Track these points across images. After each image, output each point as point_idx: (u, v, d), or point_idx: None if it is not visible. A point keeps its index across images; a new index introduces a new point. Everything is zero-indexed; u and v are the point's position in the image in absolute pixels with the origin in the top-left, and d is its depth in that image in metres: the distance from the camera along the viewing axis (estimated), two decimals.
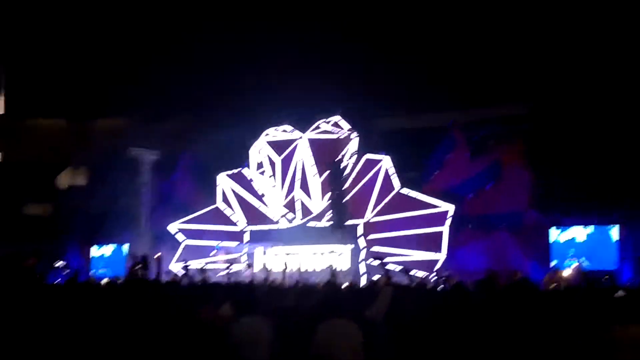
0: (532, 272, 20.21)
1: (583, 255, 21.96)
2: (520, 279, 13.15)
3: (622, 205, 22.36)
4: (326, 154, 24.07)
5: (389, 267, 19.50)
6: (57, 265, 17.99)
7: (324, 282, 12.51)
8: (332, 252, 23.13)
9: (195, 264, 23.19)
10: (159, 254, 22.78)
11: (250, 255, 24.36)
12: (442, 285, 14.59)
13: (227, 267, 14.58)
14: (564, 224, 22.87)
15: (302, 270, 19.77)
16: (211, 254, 24.68)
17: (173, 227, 25.83)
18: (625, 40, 23.88)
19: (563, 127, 24.52)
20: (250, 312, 6.12)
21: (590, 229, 22.48)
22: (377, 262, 19.91)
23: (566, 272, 17.85)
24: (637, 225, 21.84)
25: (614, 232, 21.95)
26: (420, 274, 19.57)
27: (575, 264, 19.10)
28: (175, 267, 23.83)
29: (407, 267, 16.32)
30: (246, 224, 25.54)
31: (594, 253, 21.83)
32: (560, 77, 25.02)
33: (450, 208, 22.48)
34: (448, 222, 22.43)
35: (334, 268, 17.53)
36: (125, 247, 27.36)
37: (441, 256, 22.09)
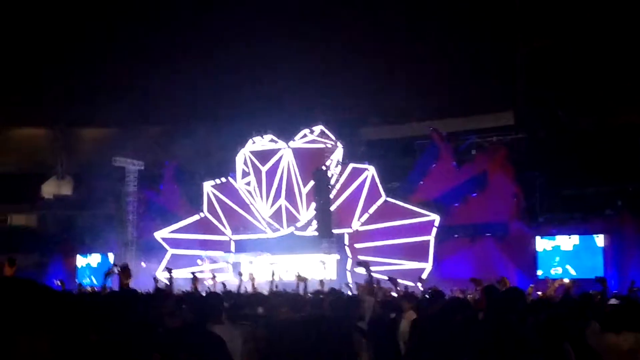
0: (518, 280, 20.25)
1: (569, 264, 22.09)
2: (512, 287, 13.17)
3: (606, 214, 22.55)
4: (311, 163, 24.05)
5: (375, 276, 19.60)
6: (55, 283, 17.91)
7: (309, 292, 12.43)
8: (321, 261, 23.07)
9: (180, 273, 23.23)
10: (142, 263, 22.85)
11: (237, 265, 24.29)
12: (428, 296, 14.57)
13: (213, 277, 14.56)
14: (548, 233, 23.01)
15: (287, 279, 19.71)
16: (198, 263, 24.60)
17: (159, 236, 25.70)
18: (606, 45, 24.10)
19: (548, 138, 24.71)
20: (217, 321, 6.14)
21: (576, 238, 22.61)
22: (361, 270, 20.06)
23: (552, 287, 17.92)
24: (620, 234, 22.01)
25: (599, 241, 22.09)
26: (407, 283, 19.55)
27: (564, 280, 19.08)
28: (161, 275, 23.73)
29: (394, 277, 16.36)
30: (232, 233, 25.46)
31: (580, 262, 21.94)
32: (542, 86, 25.21)
33: (436, 217, 22.55)
34: (434, 231, 22.46)
35: (321, 279, 17.56)
36: (111, 257, 27.22)
37: (428, 265, 22.12)
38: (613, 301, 9.57)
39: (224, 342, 4.61)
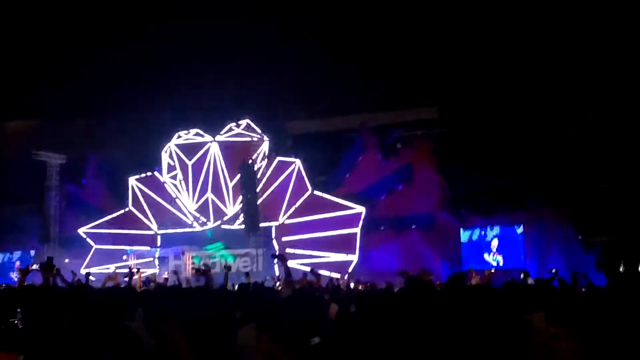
0: (443, 271, 20.61)
1: (491, 254, 22.60)
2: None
3: (526, 206, 23.10)
4: (238, 156, 23.98)
5: (298, 267, 19.73)
6: None
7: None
8: (246, 254, 23.06)
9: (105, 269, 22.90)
10: (67, 259, 22.43)
11: (163, 260, 24.08)
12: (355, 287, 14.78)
13: (130, 274, 14.33)
14: (472, 225, 23.47)
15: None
16: (123, 258, 24.28)
17: (82, 232, 25.22)
18: (533, 45, 24.59)
19: (470, 132, 25.11)
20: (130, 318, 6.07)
21: (498, 229, 23.14)
22: (278, 263, 20.19)
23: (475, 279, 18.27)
24: (541, 225, 22.60)
25: (520, 232, 22.66)
26: (335, 275, 19.71)
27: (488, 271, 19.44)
28: (84, 271, 23.35)
29: (316, 267, 16.45)
30: (158, 228, 25.17)
31: (502, 252, 22.49)
32: (466, 82, 25.58)
33: (362, 210, 22.73)
34: (360, 223, 22.64)
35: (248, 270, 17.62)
36: (32, 253, 26.62)
37: (354, 257, 22.29)
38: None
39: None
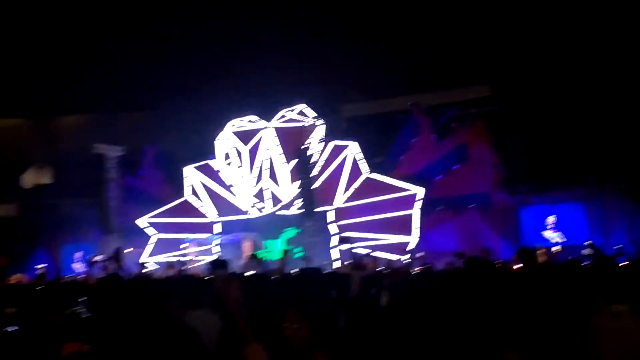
0: (503, 250, 20.49)
1: (553, 232, 22.35)
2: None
3: (584, 181, 22.79)
4: (293, 142, 24.06)
5: (360, 250, 19.74)
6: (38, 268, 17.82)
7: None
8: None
9: (166, 258, 23.27)
10: (130, 249, 22.81)
11: (225, 246, 24.38)
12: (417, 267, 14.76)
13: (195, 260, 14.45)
14: (531, 202, 23.25)
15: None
16: (182, 247, 24.60)
17: (142, 222, 25.60)
18: (586, 19, 24.14)
19: (525, 108, 24.80)
20: (197, 306, 6.16)
21: (558, 206, 22.88)
22: (345, 246, 20.23)
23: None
24: (601, 200, 22.28)
25: (580, 208, 22.39)
26: (393, 257, 19.74)
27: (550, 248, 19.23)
28: (146, 261, 23.78)
29: (378, 251, 16.51)
30: (216, 216, 25.42)
31: (562, 229, 22.24)
32: (522, 57, 25.24)
33: (419, 191, 22.61)
34: (418, 204, 22.53)
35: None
36: (95, 245, 27.11)
37: (412, 239, 22.23)
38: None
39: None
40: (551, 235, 22.19)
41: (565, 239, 21.78)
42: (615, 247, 17.07)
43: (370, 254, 15.75)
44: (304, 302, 4.26)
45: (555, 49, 24.64)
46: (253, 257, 12.13)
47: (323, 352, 4.07)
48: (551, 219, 22.59)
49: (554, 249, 17.56)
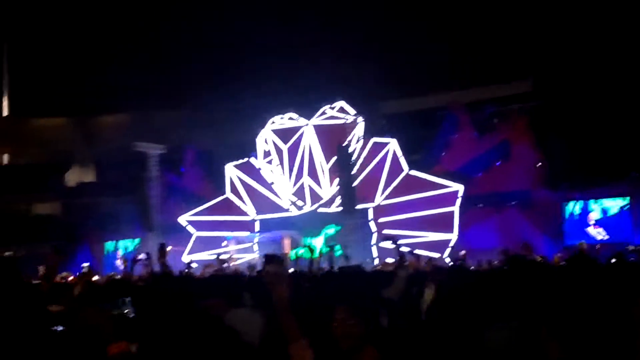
0: (545, 248, 20.21)
1: (597, 228, 22.04)
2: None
3: (629, 177, 22.42)
4: (333, 139, 23.97)
5: (401, 248, 19.66)
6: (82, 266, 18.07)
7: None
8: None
9: (207, 256, 23.40)
10: (170, 247, 22.98)
11: (264, 245, 24.37)
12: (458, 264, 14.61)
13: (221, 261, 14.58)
14: (573, 199, 22.93)
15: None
16: (223, 245, 24.73)
17: (183, 220, 25.78)
18: (626, 16, 23.81)
19: (568, 104, 24.51)
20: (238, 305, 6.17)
21: (602, 202, 22.54)
22: (389, 244, 20.13)
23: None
24: None
25: (624, 204, 22.04)
26: (434, 255, 19.60)
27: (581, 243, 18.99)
28: (187, 259, 23.96)
29: (414, 248, 16.40)
30: (256, 213, 25.50)
31: (606, 225, 21.92)
32: (563, 54, 24.98)
33: (459, 188, 22.42)
34: (458, 202, 22.35)
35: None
36: (137, 242, 27.44)
37: (453, 236, 22.05)
38: None
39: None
40: (594, 231, 21.88)
41: (608, 236, 21.47)
42: None
43: (412, 252, 15.63)
44: (354, 299, 4.29)
45: (597, 45, 24.34)
46: (269, 260, 12.03)
47: (372, 348, 4.09)
48: (594, 215, 22.28)
49: (597, 246, 17.32)
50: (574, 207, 22.92)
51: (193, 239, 25.51)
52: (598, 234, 21.74)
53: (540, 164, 23.27)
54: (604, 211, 22.33)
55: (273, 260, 4.48)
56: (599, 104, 24.11)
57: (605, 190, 22.63)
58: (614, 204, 22.35)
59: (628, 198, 22.08)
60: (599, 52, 24.43)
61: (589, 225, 22.15)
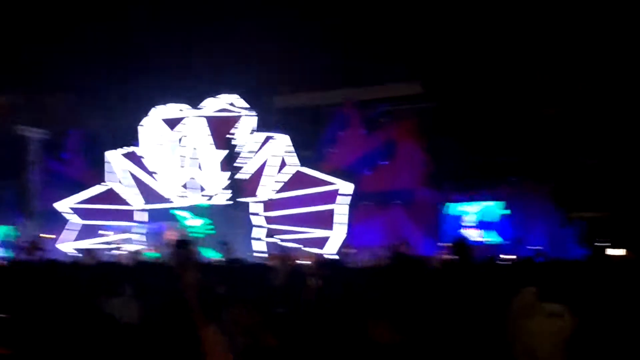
0: (425, 246, 20.73)
1: (474, 229, 22.75)
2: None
3: (509, 181, 23.27)
4: (222, 132, 23.79)
5: (282, 244, 19.79)
6: None
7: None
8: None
9: (86, 244, 22.86)
10: (49, 235, 22.32)
11: (149, 235, 24.02)
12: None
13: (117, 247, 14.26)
14: (455, 200, 23.61)
15: None
16: (103, 234, 24.18)
17: (63, 206, 24.96)
18: (517, 15, 24.56)
19: (454, 107, 25.17)
20: (114, 293, 6.08)
21: (480, 204, 23.29)
22: (270, 239, 20.25)
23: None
24: (523, 200, 22.80)
25: (501, 207, 22.84)
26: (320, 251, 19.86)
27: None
28: (66, 247, 23.35)
29: (304, 245, 16.58)
30: (140, 203, 25.00)
31: (483, 227, 22.67)
32: (453, 56, 25.56)
33: (346, 185, 22.67)
34: (342, 199, 22.60)
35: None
36: (15, 228, 26.44)
37: (333, 233, 22.31)
38: None
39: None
40: (471, 233, 22.57)
41: (484, 238, 22.19)
42: (533, 248, 17.42)
43: (295, 248, 15.79)
44: (245, 292, 4.44)
45: (485, 49, 25.01)
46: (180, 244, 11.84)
47: (270, 334, 4.30)
48: (471, 218, 22.99)
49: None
50: (452, 208, 23.58)
51: (72, 227, 24.77)
52: (475, 235, 22.42)
53: (424, 164, 23.78)
54: (482, 214, 23.07)
55: (183, 245, 4.44)
56: (484, 109, 24.86)
57: (484, 193, 23.41)
58: (492, 207, 23.14)
59: (504, 203, 22.93)
60: (488, 57, 25.12)
61: (467, 227, 22.83)
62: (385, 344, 3.78)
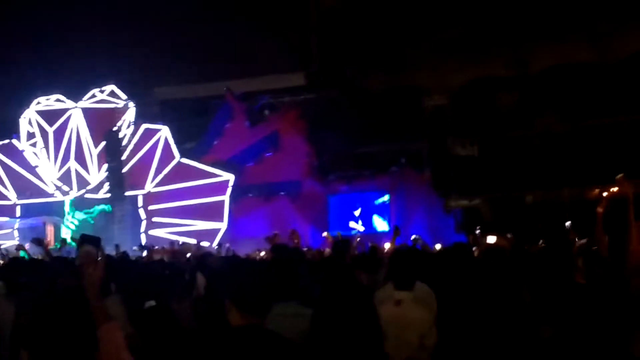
0: (311, 237, 20.92)
1: (357, 220, 23.13)
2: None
3: (391, 171, 23.81)
4: (102, 124, 23.26)
5: (166, 236, 19.58)
6: None
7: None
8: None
9: None
10: None
11: (24, 230, 23.13)
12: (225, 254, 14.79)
13: None
14: (339, 191, 23.97)
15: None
16: None
17: None
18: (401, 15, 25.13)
19: (339, 98, 25.53)
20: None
21: (363, 195, 23.73)
22: (156, 232, 19.92)
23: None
24: (404, 190, 23.36)
25: (384, 197, 23.35)
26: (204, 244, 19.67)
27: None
28: None
29: (183, 236, 16.42)
30: (17, 198, 24.09)
31: (367, 217, 23.12)
32: (337, 47, 25.91)
33: (230, 177, 22.68)
34: (229, 191, 22.59)
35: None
36: None
37: (223, 225, 22.27)
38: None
39: None
40: (355, 225, 22.97)
41: (364, 229, 22.62)
42: (412, 237, 17.87)
43: (180, 240, 15.63)
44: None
45: (367, 40, 25.47)
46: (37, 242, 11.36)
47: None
48: (357, 211, 23.38)
49: (357, 238, 18.21)
50: (338, 199, 23.96)
51: None
52: (358, 227, 22.84)
53: (309, 156, 24.04)
54: (366, 204, 23.53)
55: (88, 241, 4.36)
56: (367, 100, 25.32)
57: (368, 184, 23.87)
58: (376, 197, 23.64)
59: (388, 194, 23.45)
60: (370, 49, 25.59)
61: (352, 218, 23.23)
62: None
